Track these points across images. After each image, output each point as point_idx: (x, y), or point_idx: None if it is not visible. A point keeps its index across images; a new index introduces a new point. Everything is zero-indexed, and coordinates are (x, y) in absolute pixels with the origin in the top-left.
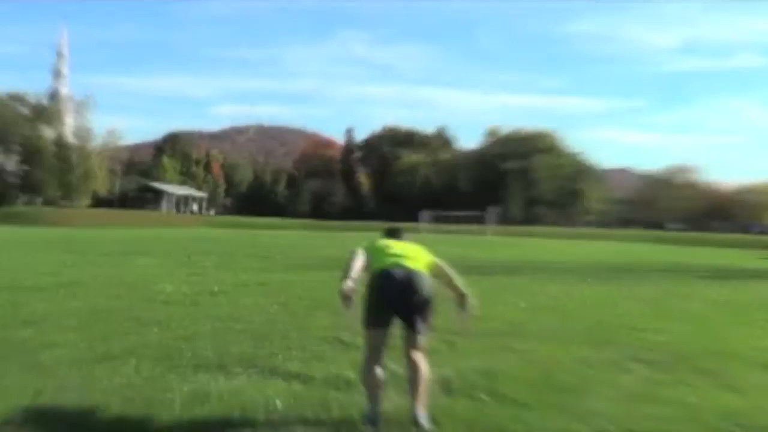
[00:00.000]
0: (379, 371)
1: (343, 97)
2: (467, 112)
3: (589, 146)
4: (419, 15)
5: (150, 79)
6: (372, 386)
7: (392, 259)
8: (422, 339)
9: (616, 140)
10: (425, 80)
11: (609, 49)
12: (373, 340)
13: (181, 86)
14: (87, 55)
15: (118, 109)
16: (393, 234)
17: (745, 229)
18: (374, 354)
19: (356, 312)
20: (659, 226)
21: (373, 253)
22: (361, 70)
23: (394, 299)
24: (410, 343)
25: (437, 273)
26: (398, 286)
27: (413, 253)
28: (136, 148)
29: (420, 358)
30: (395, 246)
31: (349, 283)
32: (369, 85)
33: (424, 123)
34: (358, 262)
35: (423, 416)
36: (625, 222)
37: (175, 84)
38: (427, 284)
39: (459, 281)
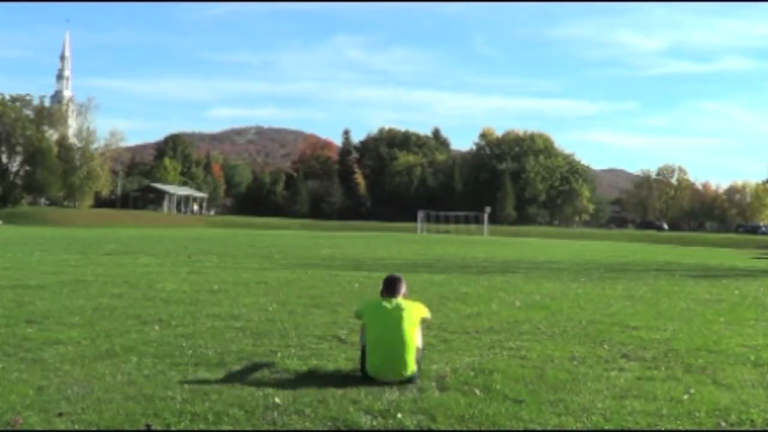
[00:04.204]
0: None
1: (339, 100)
2: (462, 114)
3: (582, 148)
4: (413, 20)
5: (150, 82)
6: None
7: (382, 341)
8: None
9: (607, 142)
10: (420, 84)
11: (600, 53)
12: None
13: (180, 89)
14: (89, 58)
15: (120, 112)
16: (390, 288)
17: (736, 229)
18: None
19: None
20: (652, 225)
21: (367, 319)
22: (357, 74)
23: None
24: None
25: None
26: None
27: (406, 321)
28: (137, 150)
29: None
30: (389, 317)
31: None
32: (365, 88)
33: (419, 125)
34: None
35: None
36: (618, 222)
37: (174, 87)
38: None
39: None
